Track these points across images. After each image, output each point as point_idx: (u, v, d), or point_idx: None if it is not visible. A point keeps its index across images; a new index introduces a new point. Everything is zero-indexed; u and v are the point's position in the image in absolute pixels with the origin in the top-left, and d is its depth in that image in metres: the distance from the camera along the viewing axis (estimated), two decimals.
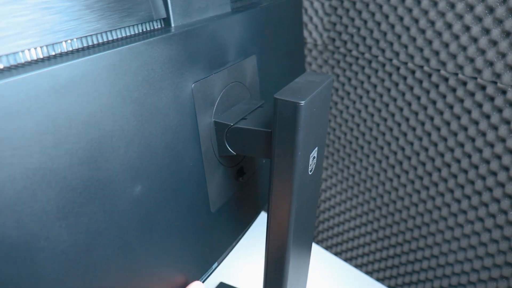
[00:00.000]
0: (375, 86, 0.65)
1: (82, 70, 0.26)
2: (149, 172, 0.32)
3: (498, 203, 0.55)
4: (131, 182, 0.30)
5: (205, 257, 0.42)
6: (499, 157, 0.53)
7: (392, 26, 0.59)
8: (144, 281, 0.34)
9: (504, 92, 0.50)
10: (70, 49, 0.28)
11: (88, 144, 0.27)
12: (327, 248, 0.84)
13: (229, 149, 0.41)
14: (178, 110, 0.35)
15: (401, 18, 0.58)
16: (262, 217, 0.91)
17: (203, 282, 0.42)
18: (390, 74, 0.62)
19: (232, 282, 0.67)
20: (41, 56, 0.26)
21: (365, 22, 0.63)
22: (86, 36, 0.29)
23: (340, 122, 0.72)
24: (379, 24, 0.61)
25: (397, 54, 0.60)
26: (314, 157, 0.38)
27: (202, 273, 0.42)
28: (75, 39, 0.28)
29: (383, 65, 0.63)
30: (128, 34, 0.33)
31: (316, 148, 0.38)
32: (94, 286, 0.29)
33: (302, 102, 0.32)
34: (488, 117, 0.53)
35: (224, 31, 0.41)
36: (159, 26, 0.36)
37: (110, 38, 0.31)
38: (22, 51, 0.25)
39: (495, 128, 0.52)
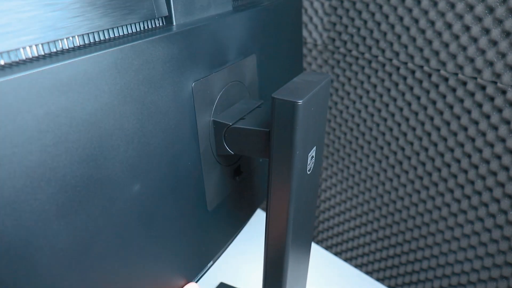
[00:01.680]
0: (375, 86, 0.65)
1: (83, 68, 0.26)
2: (148, 170, 0.32)
3: (498, 203, 0.55)
4: (130, 180, 0.30)
5: (201, 255, 0.42)
6: (499, 157, 0.53)
7: (392, 26, 0.60)
8: (141, 279, 0.34)
9: (504, 92, 0.50)
10: (72, 46, 0.28)
11: (88, 142, 0.27)
12: (327, 248, 0.84)
13: (227, 148, 0.41)
14: (178, 109, 0.35)
15: (401, 18, 0.58)
16: (261, 215, 0.91)
17: (197, 280, 0.42)
18: (390, 74, 0.62)
19: (232, 282, 0.67)
20: (43, 53, 0.26)
21: (365, 22, 0.63)
22: (87, 33, 0.29)
23: (340, 122, 0.72)
24: (379, 24, 0.61)
25: (397, 54, 0.60)
26: (312, 157, 0.38)
27: (198, 271, 0.42)
28: (76, 36, 0.28)
29: (383, 65, 0.63)
30: (130, 32, 0.33)
31: (315, 148, 0.38)
32: (92, 284, 0.29)
33: (300, 102, 0.32)
34: (488, 117, 0.53)
35: (226, 30, 0.41)
36: (161, 24, 0.36)
37: (112, 36, 0.31)
38: (24, 48, 0.25)
39: (495, 128, 0.52)
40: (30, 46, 0.25)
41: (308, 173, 0.38)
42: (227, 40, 0.41)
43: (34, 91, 0.23)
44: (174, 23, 0.36)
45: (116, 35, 0.31)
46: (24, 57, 0.25)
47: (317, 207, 0.83)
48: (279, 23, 0.54)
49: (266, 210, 0.39)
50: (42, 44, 0.26)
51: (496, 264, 0.57)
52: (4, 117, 0.22)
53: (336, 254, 0.83)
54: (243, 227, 0.52)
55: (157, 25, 0.35)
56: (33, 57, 0.25)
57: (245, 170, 0.48)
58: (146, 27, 0.34)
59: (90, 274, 0.28)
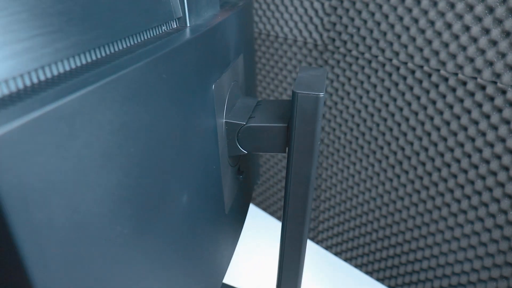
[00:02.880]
0: (375, 86, 0.65)
1: (144, 75, 0.24)
2: (191, 178, 0.32)
3: (498, 203, 0.55)
4: (180, 191, 0.30)
5: (224, 257, 0.42)
6: (499, 157, 0.53)
7: (392, 26, 0.59)
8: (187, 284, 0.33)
9: (504, 92, 0.50)
10: (105, 54, 0.27)
11: (152, 153, 0.26)
12: (327, 248, 0.84)
13: (240, 148, 0.41)
14: (205, 112, 0.34)
15: (401, 18, 0.58)
16: (259, 215, 0.91)
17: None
18: (390, 74, 0.62)
19: (232, 282, 0.67)
20: (80, 64, 0.24)
21: (365, 22, 0.63)
22: (114, 42, 0.28)
23: (340, 122, 0.72)
24: (379, 24, 0.61)
25: (397, 54, 0.60)
26: (318, 147, 0.39)
27: (223, 274, 0.42)
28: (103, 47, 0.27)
29: (383, 65, 0.63)
30: (149, 36, 0.32)
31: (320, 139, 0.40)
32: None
33: (322, 94, 0.34)
34: (488, 117, 0.53)
35: (228, 29, 0.41)
36: (175, 26, 0.35)
37: (138, 41, 0.30)
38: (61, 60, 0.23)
39: (495, 128, 0.52)
40: (67, 59, 0.24)
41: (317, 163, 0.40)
42: (229, 39, 0.41)
43: (108, 102, 0.21)
44: (188, 24, 0.36)
45: (138, 41, 0.30)
46: (64, 70, 0.23)
47: (317, 207, 0.83)
48: (249, 21, 0.54)
49: (284, 200, 0.40)
50: (78, 55, 0.24)
51: (496, 264, 0.57)
52: (89, 134, 0.20)
53: (336, 254, 0.83)
54: (243, 225, 0.52)
55: (171, 26, 0.35)
56: (74, 68, 0.24)
57: (244, 170, 0.48)
58: (162, 30, 0.34)
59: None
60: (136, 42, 0.30)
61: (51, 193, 0.18)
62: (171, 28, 0.35)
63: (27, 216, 0.17)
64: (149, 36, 0.31)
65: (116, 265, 0.23)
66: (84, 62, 0.25)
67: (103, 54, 0.26)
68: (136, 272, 0.25)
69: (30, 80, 0.21)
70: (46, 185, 0.18)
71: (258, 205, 0.97)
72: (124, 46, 0.28)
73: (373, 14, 0.61)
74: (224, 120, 0.39)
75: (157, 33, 0.33)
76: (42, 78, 0.22)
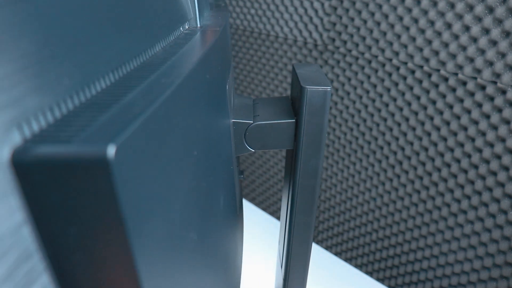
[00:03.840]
0: (375, 86, 0.65)
1: (193, 81, 0.24)
2: (223, 182, 0.32)
3: (498, 203, 0.55)
4: (219, 194, 0.30)
5: (239, 259, 0.42)
6: (499, 157, 0.53)
7: (392, 26, 0.59)
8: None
9: (504, 92, 0.50)
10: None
11: (204, 159, 0.26)
12: (327, 248, 0.84)
13: (247, 147, 0.41)
14: (223, 112, 0.34)
15: (400, 18, 0.58)
16: (258, 215, 0.91)
17: None
18: (390, 74, 0.62)
19: None
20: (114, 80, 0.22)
21: (365, 22, 0.63)
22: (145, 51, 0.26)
23: (340, 122, 0.72)
24: (379, 24, 0.61)
25: (397, 54, 0.60)
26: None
27: (240, 277, 0.42)
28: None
29: (383, 65, 0.63)
30: (173, 38, 0.31)
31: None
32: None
33: (329, 88, 0.35)
34: (488, 117, 0.53)
35: (228, 29, 0.41)
36: (187, 27, 0.35)
37: (165, 44, 0.29)
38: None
39: (495, 128, 0.52)
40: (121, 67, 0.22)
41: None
42: (229, 39, 0.42)
43: (173, 113, 0.20)
44: (199, 25, 0.36)
45: (166, 44, 0.29)
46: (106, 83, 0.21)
47: (317, 207, 0.83)
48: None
49: (290, 199, 0.41)
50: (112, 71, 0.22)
51: (496, 264, 0.57)
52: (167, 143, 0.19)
53: (336, 254, 0.83)
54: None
55: (184, 28, 0.35)
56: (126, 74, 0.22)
57: (243, 169, 0.48)
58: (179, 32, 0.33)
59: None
60: (161, 47, 0.29)
61: (150, 213, 0.17)
62: (184, 29, 0.34)
63: (142, 230, 0.16)
64: (172, 39, 0.31)
65: (186, 263, 0.23)
66: (128, 69, 0.23)
67: (136, 65, 0.24)
68: (196, 277, 0.25)
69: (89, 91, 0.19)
70: (151, 195, 0.17)
71: (258, 205, 0.97)
72: (158, 49, 0.27)
73: (373, 14, 0.61)
74: (231, 120, 0.40)
75: (177, 35, 0.32)
76: (103, 86, 0.20)
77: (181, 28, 0.33)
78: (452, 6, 0.52)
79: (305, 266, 0.44)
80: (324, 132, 0.37)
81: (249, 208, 0.96)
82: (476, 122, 0.54)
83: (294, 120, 0.39)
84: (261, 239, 0.81)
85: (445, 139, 0.59)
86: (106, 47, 0.21)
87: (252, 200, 0.98)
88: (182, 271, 0.22)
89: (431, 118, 0.59)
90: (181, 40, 0.31)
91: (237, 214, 0.42)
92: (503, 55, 0.49)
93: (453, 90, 0.55)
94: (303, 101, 0.35)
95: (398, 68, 0.61)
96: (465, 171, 0.57)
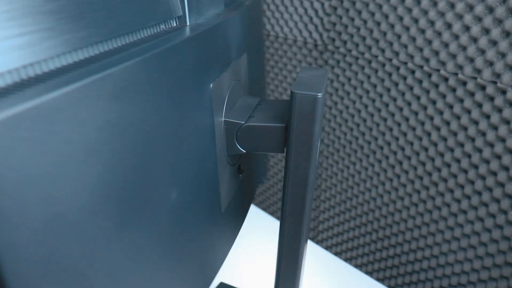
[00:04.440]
0: (375, 86, 0.65)
1: (134, 74, 0.25)
2: (183, 176, 0.32)
3: (498, 203, 0.55)
4: (169, 187, 0.30)
5: (217, 256, 0.42)
6: (499, 157, 0.53)
7: (392, 26, 0.59)
8: (172, 281, 0.33)
9: (504, 92, 0.50)
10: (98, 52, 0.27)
11: (138, 150, 0.26)
12: (327, 248, 0.84)
13: (239, 147, 0.41)
14: (201, 110, 0.35)
15: (400, 18, 0.58)
16: (259, 214, 0.91)
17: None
18: (390, 74, 0.62)
19: (232, 282, 0.67)
20: (68, 63, 0.25)
21: (365, 22, 0.63)
22: (102, 42, 0.28)
23: (340, 122, 0.72)
24: (379, 24, 0.61)
25: (397, 54, 0.60)
26: (317, 147, 0.39)
27: (215, 273, 0.42)
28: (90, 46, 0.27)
29: (383, 65, 0.63)
30: (147, 34, 0.32)
31: (319, 139, 0.40)
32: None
33: (320, 94, 0.33)
34: (488, 117, 0.53)
35: (229, 29, 0.41)
36: (175, 25, 0.36)
37: (135, 39, 0.30)
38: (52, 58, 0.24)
39: (495, 128, 0.52)
40: (58, 56, 0.24)
41: (316, 164, 0.39)
42: (230, 39, 0.41)
43: (93, 100, 0.22)
44: (188, 23, 0.36)
45: (136, 39, 0.30)
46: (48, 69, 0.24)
47: (317, 207, 0.83)
48: (256, 21, 0.54)
49: (282, 201, 0.40)
50: (64, 54, 0.25)
51: (496, 264, 0.57)
52: (69, 129, 0.21)
53: (336, 254, 0.83)
54: (242, 224, 0.52)
55: (171, 25, 0.35)
56: (66, 65, 0.24)
57: (245, 169, 0.48)
58: (161, 29, 0.34)
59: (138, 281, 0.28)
60: (132, 40, 0.30)
61: (26, 185, 0.19)
62: (170, 27, 0.35)
63: None
64: (146, 35, 0.32)
65: (96, 259, 0.24)
66: (76, 59, 0.25)
67: (96, 52, 0.27)
68: (119, 267, 0.26)
69: (18, 76, 0.22)
70: (21, 178, 0.19)
71: (258, 205, 0.97)
72: (119, 44, 0.29)
73: (373, 14, 0.61)
74: (223, 119, 0.39)
75: (155, 31, 0.33)
76: (32, 74, 0.22)
77: (163, 25, 0.34)
78: (452, 6, 0.52)
79: (296, 274, 0.43)
80: (315, 140, 0.35)
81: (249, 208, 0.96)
82: (476, 122, 0.54)
83: (284, 125, 0.38)
84: (261, 239, 0.81)
85: (445, 139, 0.59)
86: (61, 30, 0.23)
87: (252, 200, 0.98)
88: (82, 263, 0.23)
89: (431, 118, 0.59)
90: (149, 37, 0.31)
91: (221, 211, 0.41)
92: (503, 55, 0.49)
93: (453, 90, 0.56)
94: (292, 106, 0.34)
95: (398, 68, 0.61)
96: (465, 171, 0.57)
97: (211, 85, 0.36)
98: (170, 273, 0.33)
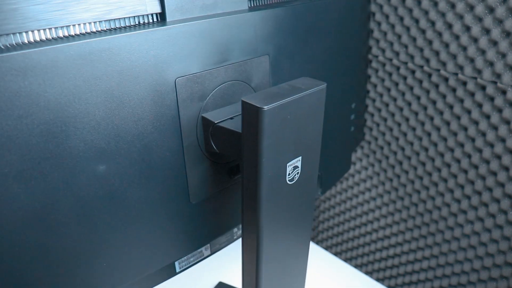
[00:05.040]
0: (375, 86, 0.65)
1: (51, 56, 0.29)
2: (116, 155, 0.34)
3: (498, 203, 0.55)
4: (94, 160, 0.33)
5: (182, 245, 0.43)
6: (499, 157, 0.53)
7: (393, 26, 0.60)
8: (107, 255, 0.36)
9: (504, 92, 0.50)
10: (55, 36, 0.31)
11: (51, 121, 0.29)
12: (327, 248, 0.84)
13: (213, 146, 0.41)
14: (156, 102, 0.36)
15: (401, 18, 0.58)
16: None
17: (181, 271, 0.43)
18: (390, 74, 0.62)
19: (231, 282, 0.67)
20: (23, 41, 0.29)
21: None
22: (67, 26, 0.31)
23: None
24: (379, 24, 0.61)
25: (397, 54, 0.60)
26: (296, 167, 0.37)
27: (176, 258, 0.44)
28: (55, 29, 0.31)
29: (383, 65, 0.63)
30: (117, 26, 0.34)
31: (300, 158, 0.37)
32: (48, 251, 0.32)
33: (265, 107, 0.31)
34: (488, 117, 0.53)
35: (228, 29, 0.41)
36: (154, 21, 0.36)
37: (97, 29, 0.33)
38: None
39: (495, 128, 0.52)
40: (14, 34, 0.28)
41: (290, 183, 0.37)
42: (225, 39, 0.41)
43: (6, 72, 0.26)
44: (167, 20, 0.36)
45: (102, 29, 0.33)
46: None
47: (317, 207, 0.83)
48: (319, 25, 0.52)
49: (241, 214, 0.39)
50: (19, 33, 0.28)
51: (496, 264, 0.57)
52: None
53: (336, 254, 0.83)
54: (238, 226, 0.52)
55: (150, 21, 0.36)
56: (15, 44, 0.28)
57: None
58: (138, 23, 0.35)
59: (48, 240, 0.31)
60: (99, 29, 0.33)
61: None
62: (147, 22, 0.36)
63: None
64: (115, 26, 0.34)
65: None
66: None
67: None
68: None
69: None
70: None
71: None
72: (82, 31, 0.32)
73: (373, 14, 0.61)
74: (200, 115, 0.40)
75: (128, 24, 0.35)
76: None
77: (136, 20, 0.35)
78: (453, 6, 0.52)
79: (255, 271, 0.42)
80: (261, 154, 0.33)
81: None
82: (476, 122, 0.54)
83: (241, 132, 0.36)
84: None
85: (445, 139, 0.59)
86: None
87: None
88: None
89: (431, 118, 0.59)
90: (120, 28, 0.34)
91: (190, 202, 0.42)
92: (503, 55, 0.49)
93: (453, 90, 0.56)
94: (242, 115, 0.33)
95: (398, 68, 0.61)
96: (465, 171, 0.57)
97: (176, 80, 0.37)
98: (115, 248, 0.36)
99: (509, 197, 0.53)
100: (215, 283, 0.66)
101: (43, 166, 0.30)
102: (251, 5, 0.45)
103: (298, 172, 0.38)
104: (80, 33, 0.32)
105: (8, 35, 0.28)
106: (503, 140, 0.52)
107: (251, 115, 0.32)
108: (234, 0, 0.42)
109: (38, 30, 0.30)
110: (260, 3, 0.47)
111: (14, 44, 0.28)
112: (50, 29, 0.30)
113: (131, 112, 0.34)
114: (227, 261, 0.70)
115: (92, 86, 0.31)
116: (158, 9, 0.36)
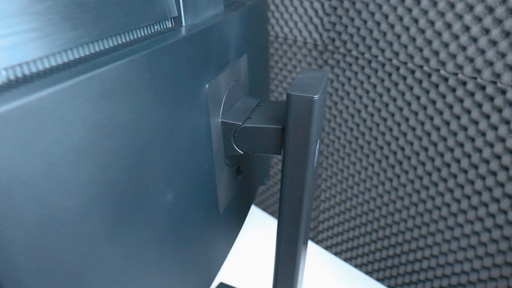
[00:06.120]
0: (375, 86, 0.65)
1: (124, 73, 0.25)
2: (178, 177, 0.32)
3: (497, 203, 0.55)
4: (165, 189, 0.30)
5: (216, 257, 0.42)
6: (498, 157, 0.53)
7: (392, 26, 0.60)
8: (171, 282, 0.34)
9: (503, 92, 0.50)
10: (88, 53, 0.27)
11: (131, 151, 0.26)
12: (327, 248, 0.84)
13: (236, 148, 0.41)
14: (197, 112, 0.34)
15: (400, 18, 0.58)
16: (259, 215, 0.91)
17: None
18: (390, 74, 0.62)
19: (232, 282, 0.67)
20: (61, 63, 0.25)
21: (365, 22, 0.63)
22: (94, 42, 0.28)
23: (340, 122, 0.72)
24: (378, 24, 0.61)
25: (397, 54, 0.60)
26: (317, 149, 0.39)
27: (215, 273, 0.42)
28: (82, 46, 0.27)
29: (383, 65, 0.63)
30: (142, 35, 0.32)
31: (319, 141, 0.39)
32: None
33: (316, 96, 0.33)
34: (487, 117, 0.53)
35: (227, 30, 0.41)
36: (171, 25, 0.36)
37: (125, 41, 0.30)
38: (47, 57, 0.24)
39: (495, 128, 0.52)
40: (47, 57, 0.24)
41: (315, 166, 0.39)
42: (229, 40, 0.41)
43: (81, 101, 0.22)
44: (184, 24, 0.36)
45: (128, 40, 0.31)
46: (43, 68, 0.24)
47: (317, 207, 0.83)
48: (258, 21, 0.54)
49: (279, 203, 0.40)
50: (53, 55, 0.25)
51: (496, 264, 0.57)
52: (59, 129, 0.21)
53: (336, 254, 0.83)
54: (242, 225, 0.52)
55: (166, 26, 0.35)
56: (53, 66, 0.24)
57: (244, 169, 0.48)
58: (157, 29, 0.34)
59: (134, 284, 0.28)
60: (124, 41, 0.30)
61: (15, 186, 0.19)
62: (165, 27, 0.35)
63: None
64: (139, 36, 0.32)
65: (90, 260, 0.24)
66: (65, 60, 0.25)
67: (87, 53, 0.27)
68: (115, 269, 0.26)
69: (6, 76, 0.22)
70: (10, 178, 0.19)
71: (258, 205, 0.97)
72: (111, 45, 0.29)
73: (373, 14, 0.61)
74: (220, 120, 0.39)
75: (149, 32, 0.33)
76: (19, 75, 0.22)
77: (158, 26, 0.34)
78: (452, 6, 0.52)
79: (293, 276, 0.43)
80: (312, 142, 0.35)
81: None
82: (476, 122, 0.54)
83: (281, 127, 0.38)
84: (261, 239, 0.81)
85: (445, 139, 0.59)
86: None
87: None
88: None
89: (431, 118, 0.59)
90: (142, 38, 0.31)
91: (220, 212, 0.41)
92: (503, 55, 0.49)
93: (453, 90, 0.56)
94: (288, 108, 0.34)
95: (398, 68, 0.61)
96: (465, 171, 0.57)
97: (207, 86, 0.36)
98: (169, 275, 0.33)
99: (509, 197, 0.53)
100: (216, 283, 0.66)
101: (128, 210, 0.26)
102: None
103: (318, 154, 0.40)
104: (115, 45, 0.29)
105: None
106: (503, 140, 0.52)
107: (302, 105, 0.33)
108: (216, 2, 0.42)
109: (77, 48, 0.26)
110: (227, 4, 0.48)
111: (59, 65, 0.25)
112: (89, 43, 0.27)
113: (183, 126, 0.32)
114: (228, 261, 0.70)
115: (156, 102, 0.28)
116: (175, 13, 0.35)
